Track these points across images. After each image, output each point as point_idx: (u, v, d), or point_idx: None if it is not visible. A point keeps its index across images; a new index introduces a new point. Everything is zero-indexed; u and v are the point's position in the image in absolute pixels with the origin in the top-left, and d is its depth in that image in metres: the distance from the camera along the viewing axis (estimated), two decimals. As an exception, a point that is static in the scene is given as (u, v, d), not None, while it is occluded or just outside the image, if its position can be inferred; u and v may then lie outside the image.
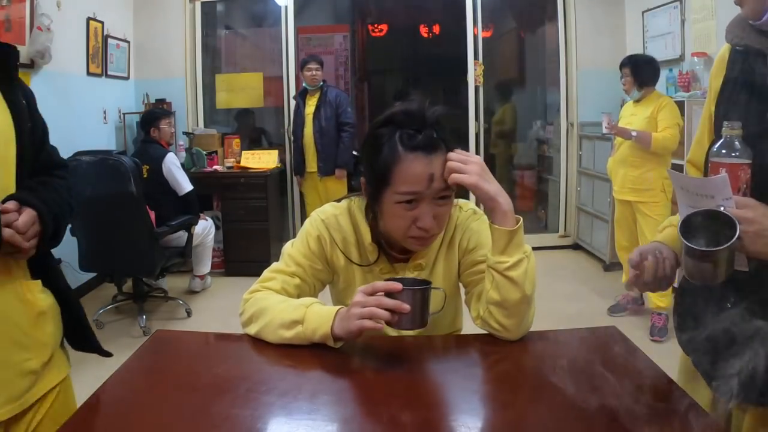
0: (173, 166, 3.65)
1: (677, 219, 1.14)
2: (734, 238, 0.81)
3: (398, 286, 0.99)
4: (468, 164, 1.05)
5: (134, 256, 3.22)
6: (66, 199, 1.16)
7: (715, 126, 1.06)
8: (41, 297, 1.09)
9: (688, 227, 0.87)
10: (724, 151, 0.89)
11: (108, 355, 1.27)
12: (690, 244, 0.84)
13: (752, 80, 0.96)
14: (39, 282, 1.10)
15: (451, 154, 1.07)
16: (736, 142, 0.88)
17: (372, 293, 1.00)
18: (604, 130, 4.10)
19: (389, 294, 0.99)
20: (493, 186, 1.06)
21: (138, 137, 4.49)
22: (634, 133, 3.10)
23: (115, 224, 3.14)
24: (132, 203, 3.09)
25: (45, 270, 1.13)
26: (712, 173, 0.89)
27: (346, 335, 1.03)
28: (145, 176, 3.52)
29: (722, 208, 0.84)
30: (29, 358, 1.04)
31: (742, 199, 0.85)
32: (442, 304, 1.10)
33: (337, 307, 1.08)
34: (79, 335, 1.22)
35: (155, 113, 3.88)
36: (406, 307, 0.97)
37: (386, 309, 0.98)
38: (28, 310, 1.05)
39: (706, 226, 0.86)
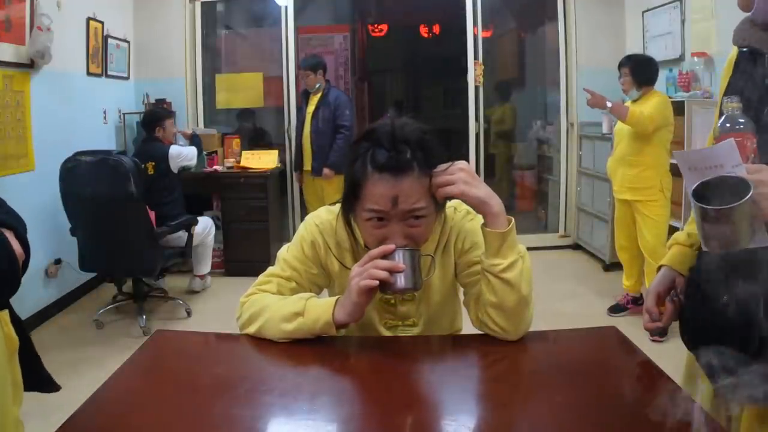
0: (179, 157, 3.72)
1: (682, 236, 1.15)
2: (749, 194, 0.78)
3: (391, 246, 1.04)
4: (452, 174, 1.05)
5: (134, 256, 3.22)
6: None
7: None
8: (13, 329, 0.98)
9: (700, 198, 0.84)
10: (728, 125, 0.89)
11: (57, 388, 1.14)
12: (703, 206, 0.81)
13: (754, 79, 0.97)
14: (7, 312, 0.99)
15: (435, 172, 1.06)
16: (738, 115, 0.88)
17: (366, 262, 1.04)
18: (605, 131, 4.12)
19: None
20: (481, 190, 1.05)
21: (138, 137, 4.49)
22: (609, 104, 3.11)
23: (115, 224, 3.13)
24: (132, 203, 3.09)
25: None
26: None
27: (347, 317, 1.05)
28: (151, 173, 3.57)
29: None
30: (13, 404, 0.94)
31: (753, 165, 0.83)
32: (433, 270, 1.14)
33: (336, 297, 1.10)
34: (29, 370, 1.08)
35: (159, 113, 3.90)
36: (401, 266, 1.02)
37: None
38: (8, 346, 0.95)
39: (719, 197, 0.82)
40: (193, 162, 3.89)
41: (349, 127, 4.13)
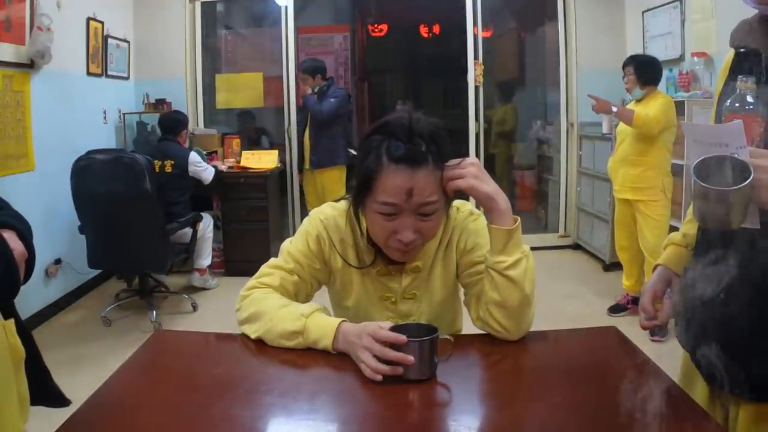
0: (196, 165, 3.80)
1: (678, 236, 1.15)
2: (749, 179, 0.78)
3: (402, 338, 0.95)
4: (463, 168, 1.06)
5: (146, 252, 3.27)
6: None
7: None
8: (19, 340, 0.94)
9: (700, 174, 0.84)
10: (737, 104, 0.88)
11: (67, 403, 1.10)
12: (705, 184, 0.81)
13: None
14: (13, 321, 0.95)
15: (447, 165, 1.07)
16: (749, 96, 0.87)
17: (378, 340, 0.97)
18: (605, 131, 4.12)
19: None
20: (489, 186, 1.07)
21: (139, 137, 4.50)
22: (614, 109, 3.11)
23: (129, 221, 3.17)
24: (147, 200, 3.13)
25: (10, 306, 0.98)
26: None
27: (347, 352, 1.03)
28: (168, 170, 3.64)
29: (736, 156, 0.81)
30: (19, 419, 0.91)
31: (757, 150, 0.83)
32: (450, 352, 1.02)
33: (339, 319, 1.07)
34: (36, 384, 1.04)
35: (183, 119, 3.97)
36: (410, 359, 0.94)
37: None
38: (14, 357, 0.92)
39: (718, 175, 0.83)
40: (206, 180, 3.90)
41: (325, 110, 4.03)
